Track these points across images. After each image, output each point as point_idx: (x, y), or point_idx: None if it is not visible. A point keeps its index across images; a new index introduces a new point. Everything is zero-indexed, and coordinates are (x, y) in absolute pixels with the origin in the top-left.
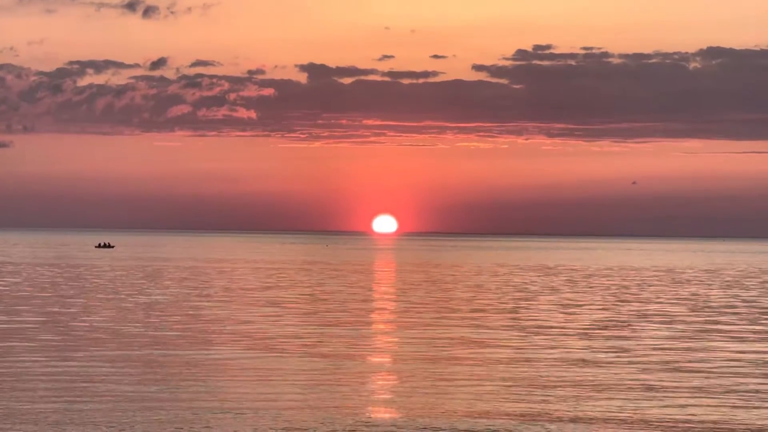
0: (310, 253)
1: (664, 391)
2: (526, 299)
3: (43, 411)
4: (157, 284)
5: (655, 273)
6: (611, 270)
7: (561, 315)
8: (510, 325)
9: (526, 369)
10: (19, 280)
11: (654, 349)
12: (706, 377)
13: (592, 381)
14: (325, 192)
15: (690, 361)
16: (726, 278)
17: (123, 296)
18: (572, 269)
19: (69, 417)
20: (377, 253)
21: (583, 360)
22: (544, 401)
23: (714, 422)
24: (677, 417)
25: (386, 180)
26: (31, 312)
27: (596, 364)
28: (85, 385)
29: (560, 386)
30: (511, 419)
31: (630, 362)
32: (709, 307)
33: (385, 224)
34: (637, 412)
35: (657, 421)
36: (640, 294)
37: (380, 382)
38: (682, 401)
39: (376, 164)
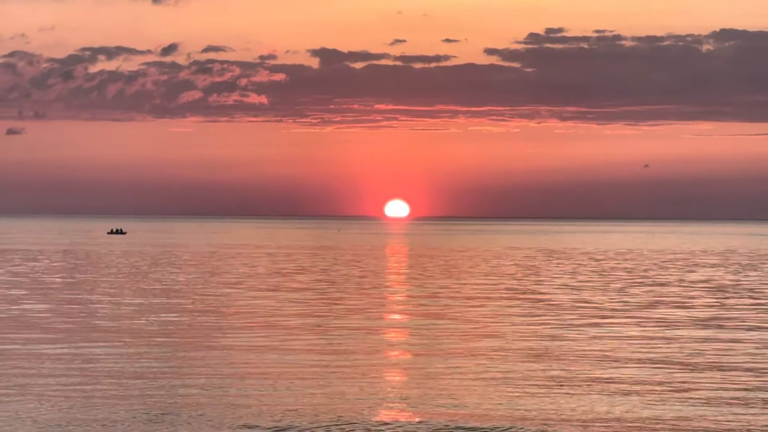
0: (323, 238)
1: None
2: (543, 284)
3: (53, 406)
4: (170, 271)
5: (671, 256)
6: (627, 253)
7: (580, 301)
8: (527, 313)
9: (540, 363)
10: (32, 268)
11: (684, 341)
12: (728, 373)
13: (614, 379)
14: (337, 177)
15: (712, 353)
16: (744, 260)
17: (137, 283)
18: (586, 253)
19: (86, 412)
20: (390, 238)
21: (604, 353)
22: (558, 399)
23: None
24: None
25: (398, 164)
26: (45, 300)
27: (616, 359)
28: (104, 380)
29: (580, 384)
30: (520, 420)
31: (654, 358)
32: (730, 291)
33: (397, 209)
34: (658, 412)
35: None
36: (658, 278)
37: (395, 376)
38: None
39: (388, 149)
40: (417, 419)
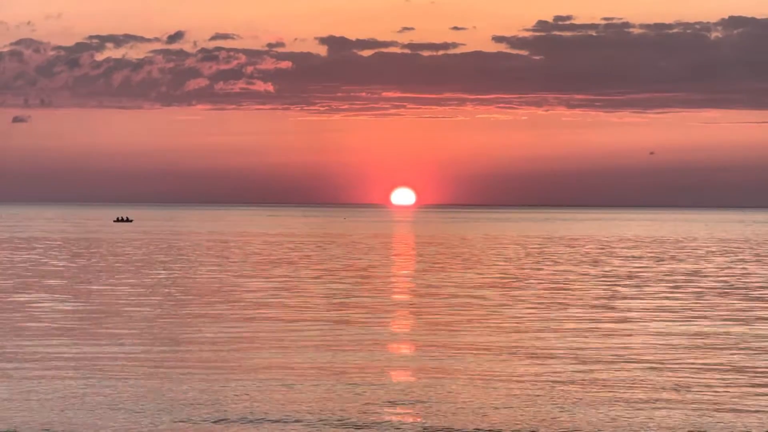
0: (329, 227)
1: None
2: (557, 275)
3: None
4: (177, 259)
5: (685, 244)
6: (640, 241)
7: (599, 292)
8: (542, 305)
9: (574, 365)
10: (39, 256)
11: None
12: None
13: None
14: (343, 165)
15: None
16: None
17: (145, 272)
18: (598, 240)
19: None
20: (396, 226)
21: (633, 359)
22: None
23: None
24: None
25: (405, 152)
26: (51, 290)
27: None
28: (111, 376)
29: (589, 390)
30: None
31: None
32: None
33: (403, 197)
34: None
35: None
36: (678, 266)
37: (402, 376)
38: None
39: (395, 137)
40: (423, 422)
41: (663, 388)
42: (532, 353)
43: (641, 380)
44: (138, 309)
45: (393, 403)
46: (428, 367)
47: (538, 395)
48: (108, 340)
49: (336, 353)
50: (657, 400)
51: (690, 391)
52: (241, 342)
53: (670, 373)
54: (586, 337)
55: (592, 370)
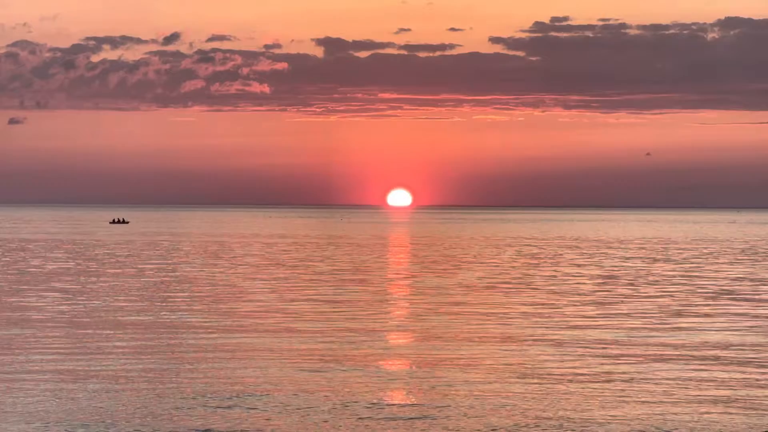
0: (326, 228)
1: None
2: (554, 276)
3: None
4: (172, 261)
5: (684, 245)
6: (638, 241)
7: (596, 296)
8: (541, 306)
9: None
10: (34, 259)
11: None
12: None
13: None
14: (340, 166)
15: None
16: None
17: (139, 275)
18: (595, 241)
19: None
20: (393, 227)
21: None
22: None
23: None
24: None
25: (401, 153)
26: (46, 292)
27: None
28: (107, 379)
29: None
30: None
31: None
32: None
33: (399, 198)
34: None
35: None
36: (675, 266)
37: (400, 386)
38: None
39: (392, 138)
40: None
41: (658, 402)
42: (531, 368)
43: (634, 388)
44: (130, 314)
45: (390, 419)
46: (426, 377)
47: (537, 410)
48: (97, 349)
49: (331, 364)
50: (649, 414)
51: (655, 403)
52: (235, 351)
53: (653, 385)
54: (581, 347)
55: (584, 386)
